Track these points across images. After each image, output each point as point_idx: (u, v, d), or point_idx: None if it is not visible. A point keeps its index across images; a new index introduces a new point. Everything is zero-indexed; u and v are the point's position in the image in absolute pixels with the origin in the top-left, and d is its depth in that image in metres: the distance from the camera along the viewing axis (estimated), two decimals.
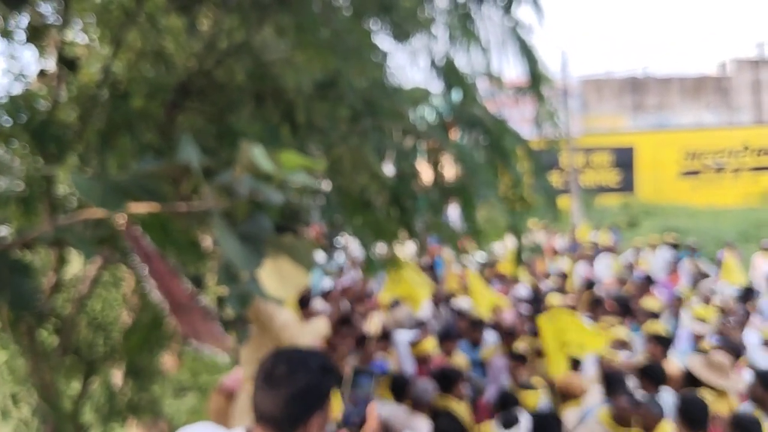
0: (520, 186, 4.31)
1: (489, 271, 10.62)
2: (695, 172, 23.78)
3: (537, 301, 8.14)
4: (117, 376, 3.71)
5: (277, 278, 1.63)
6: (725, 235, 16.19)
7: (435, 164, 3.91)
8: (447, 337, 6.35)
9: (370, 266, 4.25)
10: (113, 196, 1.19)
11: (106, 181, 1.22)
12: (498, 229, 4.50)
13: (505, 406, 4.34)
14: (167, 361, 7.19)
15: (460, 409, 4.51)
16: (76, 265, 3.34)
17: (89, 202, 1.20)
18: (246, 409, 2.48)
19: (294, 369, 1.66)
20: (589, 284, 9.38)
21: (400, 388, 4.59)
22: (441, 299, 8.20)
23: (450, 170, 3.95)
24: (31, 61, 2.75)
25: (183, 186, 1.53)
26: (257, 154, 1.18)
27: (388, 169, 3.95)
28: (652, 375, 4.64)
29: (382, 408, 4.09)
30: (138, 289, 3.51)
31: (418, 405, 4.33)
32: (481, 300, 7.56)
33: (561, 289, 9.18)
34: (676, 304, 8.00)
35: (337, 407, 4.19)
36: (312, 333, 3.20)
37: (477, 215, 4.02)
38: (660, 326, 6.45)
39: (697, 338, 6.40)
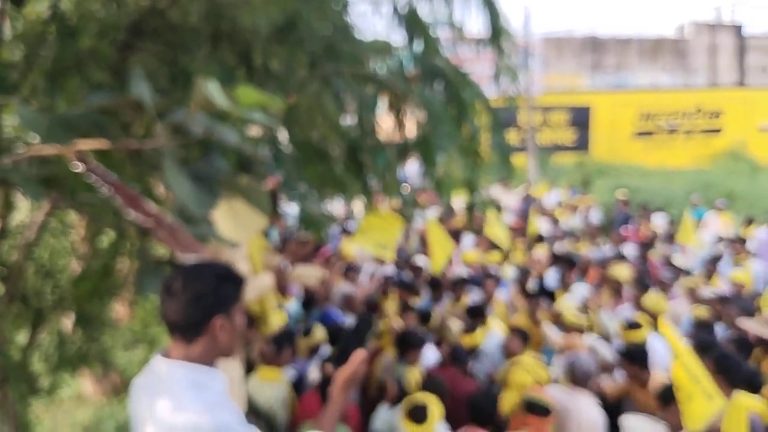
0: (476, 140, 4.30)
1: (445, 225, 10.71)
2: (649, 133, 24.16)
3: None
4: (66, 325, 3.65)
5: (232, 221, 1.60)
6: (675, 195, 16.60)
7: (397, 115, 3.85)
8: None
9: (309, 221, 3.75)
10: (60, 130, 1.13)
11: (53, 115, 1.16)
12: (456, 183, 4.49)
13: None
14: (119, 311, 7.09)
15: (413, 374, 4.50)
16: (22, 211, 3.24)
17: (34, 136, 1.14)
18: None
19: (188, 279, 1.75)
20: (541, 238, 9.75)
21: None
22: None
23: (410, 124, 3.90)
24: None
25: (134, 125, 1.48)
26: (212, 90, 1.13)
27: (347, 119, 3.88)
28: None
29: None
30: (87, 236, 3.42)
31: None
32: (439, 251, 7.22)
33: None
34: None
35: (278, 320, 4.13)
36: (256, 288, 3.20)
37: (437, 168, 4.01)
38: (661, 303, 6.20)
39: None
